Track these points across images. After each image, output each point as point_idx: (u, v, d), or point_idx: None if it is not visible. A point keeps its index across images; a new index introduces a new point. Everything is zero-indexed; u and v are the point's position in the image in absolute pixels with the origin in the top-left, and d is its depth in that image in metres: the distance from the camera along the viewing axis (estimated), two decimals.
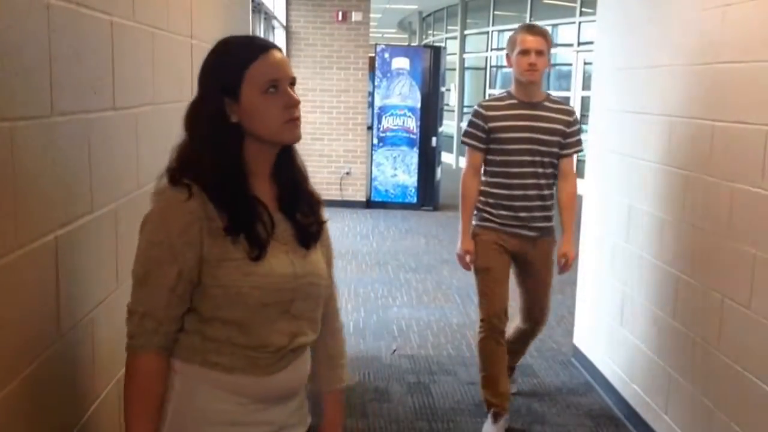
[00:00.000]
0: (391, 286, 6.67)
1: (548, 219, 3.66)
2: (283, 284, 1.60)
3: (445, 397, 4.24)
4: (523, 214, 3.59)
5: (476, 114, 3.65)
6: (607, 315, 4.29)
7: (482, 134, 3.60)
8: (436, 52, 11.06)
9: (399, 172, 10.85)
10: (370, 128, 11.04)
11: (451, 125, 17.54)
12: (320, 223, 1.73)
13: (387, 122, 10.74)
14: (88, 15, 1.82)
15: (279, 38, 10.07)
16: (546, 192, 3.60)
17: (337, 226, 9.27)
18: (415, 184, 10.84)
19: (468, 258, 3.64)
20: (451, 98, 17.94)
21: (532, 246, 3.65)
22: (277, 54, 1.59)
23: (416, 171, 10.81)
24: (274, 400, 1.66)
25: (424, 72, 10.69)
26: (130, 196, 2.12)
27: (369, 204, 10.82)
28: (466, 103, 18.07)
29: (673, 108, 3.49)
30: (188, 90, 2.51)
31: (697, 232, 3.22)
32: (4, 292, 1.38)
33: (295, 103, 1.58)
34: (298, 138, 1.62)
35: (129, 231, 2.06)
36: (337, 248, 7.62)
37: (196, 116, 1.58)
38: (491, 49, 16.69)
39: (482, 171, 3.67)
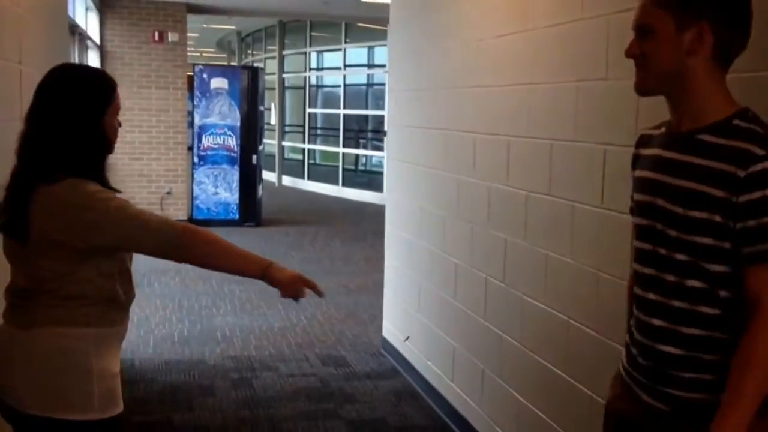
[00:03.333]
0: (216, 297, 6.95)
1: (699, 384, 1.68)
2: None
3: (267, 388, 4.64)
4: (641, 362, 1.77)
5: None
6: (407, 304, 4.88)
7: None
8: (254, 73, 11.44)
9: (221, 189, 11.07)
10: (190, 149, 11.21)
11: (272, 144, 17.90)
12: None
13: (207, 141, 10.96)
14: None
15: (93, 58, 10.07)
16: (684, 330, 1.68)
17: None
18: (237, 201, 11.10)
19: None
20: (272, 117, 18.32)
21: None
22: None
23: (237, 188, 11.09)
24: None
25: (243, 92, 11.02)
26: None
27: (191, 222, 10.96)
28: (287, 122, 18.52)
29: (447, 123, 4.14)
30: (17, 110, 2.77)
31: (466, 224, 3.86)
32: None
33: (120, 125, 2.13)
34: None
35: None
36: (159, 265, 7.74)
37: (87, 130, 2.01)
38: (309, 69, 17.27)
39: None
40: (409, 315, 4.85)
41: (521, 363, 3.32)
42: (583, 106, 2.84)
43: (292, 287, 2.08)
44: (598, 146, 2.74)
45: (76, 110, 1.99)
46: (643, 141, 1.88)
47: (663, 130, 1.81)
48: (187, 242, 2.00)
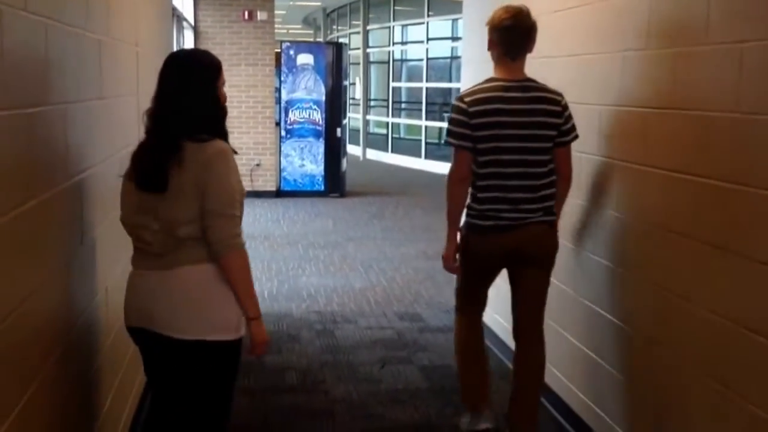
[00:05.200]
0: (301, 260, 7.45)
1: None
2: None
3: (347, 338, 5.10)
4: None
5: None
6: None
7: None
8: (339, 48, 11.88)
9: (306, 162, 11.60)
10: (278, 124, 11.76)
11: (357, 118, 18.36)
12: None
13: (294, 115, 11.49)
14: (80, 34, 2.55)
15: (188, 38, 10.68)
16: None
17: (249, 214, 9.96)
18: (322, 172, 11.61)
19: None
20: (357, 92, 18.76)
21: None
22: None
23: (323, 160, 11.59)
24: None
25: (328, 67, 11.48)
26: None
27: (279, 193, 11.49)
28: (371, 96, 18.94)
29: None
30: (134, 86, 3.26)
31: None
32: None
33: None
34: None
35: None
36: (249, 232, 8.43)
37: (208, 96, 2.46)
38: (393, 44, 17.59)
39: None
40: None
41: (574, 309, 3.65)
42: (628, 74, 3.13)
43: (259, 345, 2.50)
44: (638, 110, 3.04)
45: (202, 84, 2.46)
46: None
47: None
48: (231, 254, 2.38)
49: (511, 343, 3.66)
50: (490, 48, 3.34)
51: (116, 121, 3.03)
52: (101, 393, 2.79)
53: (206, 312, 2.40)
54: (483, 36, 5.18)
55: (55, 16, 2.13)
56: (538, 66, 4.04)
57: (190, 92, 2.42)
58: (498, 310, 4.81)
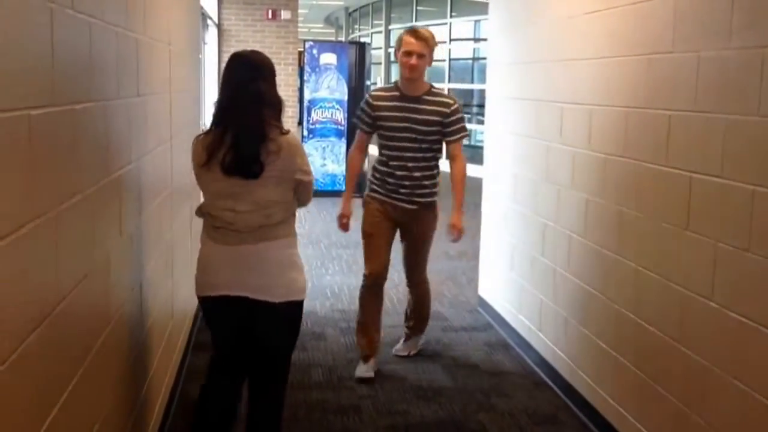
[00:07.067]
0: (324, 259, 7.49)
1: (429, 195, 4.28)
2: None
3: None
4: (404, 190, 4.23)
5: (365, 102, 4.37)
6: (502, 264, 5.24)
7: (369, 119, 4.31)
8: (362, 48, 11.91)
9: (328, 162, 11.62)
10: (300, 123, 11.79)
11: None
12: None
13: (316, 114, 11.53)
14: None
15: (211, 36, 10.77)
16: (427, 172, 4.23)
17: None
18: (344, 173, 11.64)
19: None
20: None
21: (412, 216, 4.28)
22: None
23: (345, 160, 11.62)
24: None
25: (351, 66, 11.49)
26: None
27: None
28: None
29: (539, 93, 4.45)
30: (167, 84, 3.31)
31: (554, 187, 4.20)
32: None
33: None
34: None
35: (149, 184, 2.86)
36: None
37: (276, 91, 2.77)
38: None
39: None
40: (504, 274, 5.22)
41: (599, 310, 3.66)
42: (654, 77, 3.13)
43: None
44: (663, 112, 3.04)
45: (274, 80, 2.83)
46: (379, 98, 4.32)
47: (394, 94, 4.26)
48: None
49: (538, 344, 3.66)
50: (430, 63, 4.26)
51: (151, 119, 3.08)
52: (148, 363, 2.97)
53: (293, 277, 2.82)
54: (509, 38, 5.24)
55: (97, 14, 2.18)
56: (564, 68, 4.06)
57: (271, 88, 2.76)
58: (522, 311, 4.83)
